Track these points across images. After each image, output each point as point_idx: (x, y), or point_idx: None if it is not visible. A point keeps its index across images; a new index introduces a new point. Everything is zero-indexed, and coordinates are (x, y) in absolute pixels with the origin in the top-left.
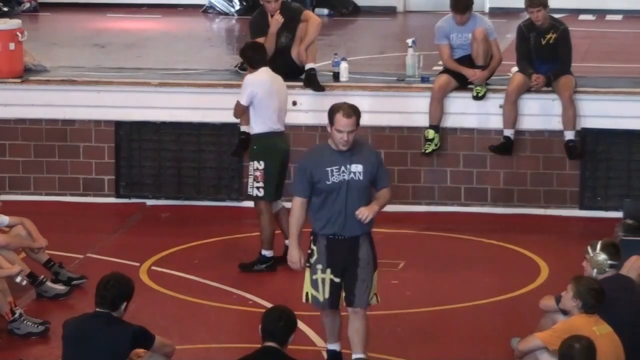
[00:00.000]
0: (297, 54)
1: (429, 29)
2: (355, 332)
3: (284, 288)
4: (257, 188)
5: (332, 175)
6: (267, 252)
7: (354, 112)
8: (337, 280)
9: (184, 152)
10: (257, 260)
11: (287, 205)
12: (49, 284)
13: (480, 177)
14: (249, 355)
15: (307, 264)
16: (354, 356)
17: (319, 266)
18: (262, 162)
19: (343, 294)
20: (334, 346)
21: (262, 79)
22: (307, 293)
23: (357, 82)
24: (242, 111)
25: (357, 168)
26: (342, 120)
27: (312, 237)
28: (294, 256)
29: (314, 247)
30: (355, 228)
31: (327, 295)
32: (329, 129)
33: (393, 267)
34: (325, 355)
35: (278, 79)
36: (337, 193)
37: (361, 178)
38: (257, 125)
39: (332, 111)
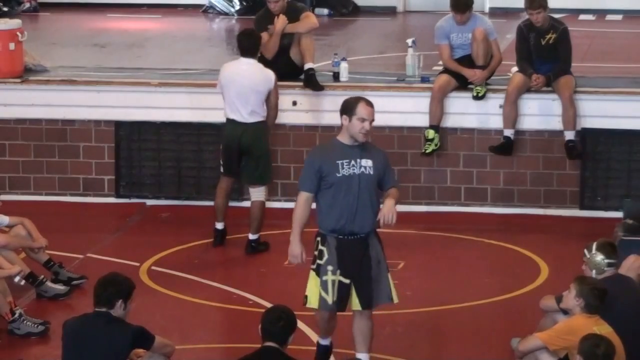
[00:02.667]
0: (295, 53)
1: (429, 29)
2: (360, 332)
3: (284, 288)
4: (220, 164)
5: (343, 168)
6: (216, 224)
7: (372, 103)
8: (346, 281)
9: (184, 152)
10: None
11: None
12: (48, 284)
13: (480, 177)
14: (249, 355)
15: (314, 266)
16: (357, 355)
17: (330, 267)
18: (222, 144)
19: (355, 299)
20: (326, 341)
21: (228, 70)
22: (306, 297)
23: (357, 82)
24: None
25: (367, 163)
26: (365, 109)
27: (319, 238)
28: (295, 250)
29: (323, 248)
30: (365, 224)
31: (335, 298)
32: (346, 122)
33: (393, 267)
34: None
35: (249, 73)
36: (348, 186)
37: (371, 173)
38: (224, 110)
39: (351, 103)
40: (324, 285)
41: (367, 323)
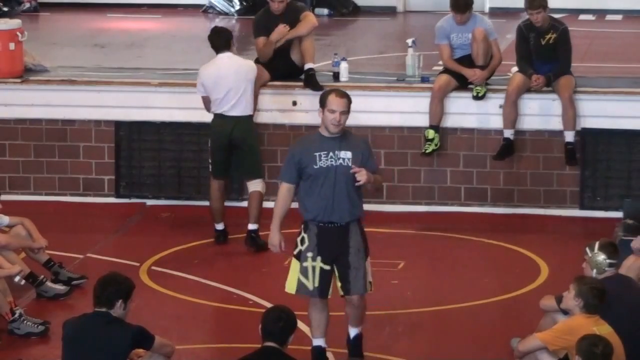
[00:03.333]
0: (295, 53)
1: (429, 29)
2: (353, 311)
3: (284, 288)
4: (209, 164)
5: (320, 160)
6: (216, 225)
7: (346, 94)
8: (326, 268)
9: (184, 152)
10: None
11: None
12: (48, 284)
13: (480, 177)
14: (249, 355)
15: (295, 252)
16: (352, 332)
17: (310, 254)
18: (209, 141)
19: (338, 284)
20: (320, 341)
21: (209, 69)
22: (289, 283)
23: (357, 82)
24: (205, 102)
25: (345, 155)
26: (335, 100)
27: (302, 226)
28: (274, 239)
29: (305, 235)
30: (344, 214)
31: (316, 284)
32: (320, 114)
33: (393, 267)
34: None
35: (232, 65)
36: (325, 178)
37: (349, 164)
38: (211, 108)
39: (324, 95)
40: (304, 271)
41: (358, 309)
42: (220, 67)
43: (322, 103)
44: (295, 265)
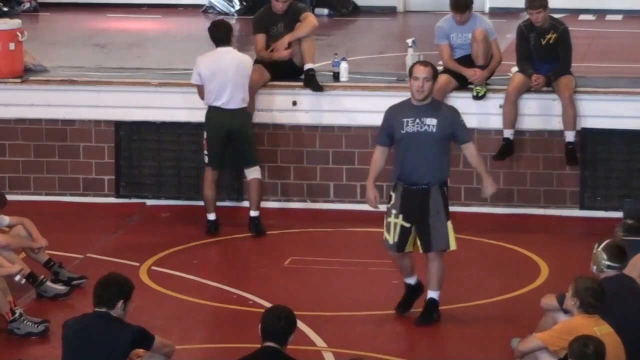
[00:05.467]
0: (295, 53)
1: (429, 29)
2: (429, 272)
3: (284, 288)
4: (204, 155)
5: (407, 126)
6: (208, 215)
7: (429, 64)
8: (407, 225)
9: (184, 152)
10: None
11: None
12: (48, 284)
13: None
14: (249, 355)
15: (386, 209)
16: (428, 294)
17: (394, 211)
18: (205, 133)
19: (418, 242)
20: (410, 279)
21: (208, 60)
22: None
23: (357, 82)
24: (199, 90)
25: (431, 122)
26: (418, 68)
27: (393, 185)
28: (369, 194)
29: (392, 194)
30: (425, 178)
31: (395, 239)
32: (409, 84)
33: (393, 267)
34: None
35: (233, 60)
36: (410, 143)
37: (434, 131)
38: (205, 99)
39: (412, 66)
40: (387, 226)
41: (435, 264)
42: (220, 60)
43: (410, 73)
44: (385, 220)
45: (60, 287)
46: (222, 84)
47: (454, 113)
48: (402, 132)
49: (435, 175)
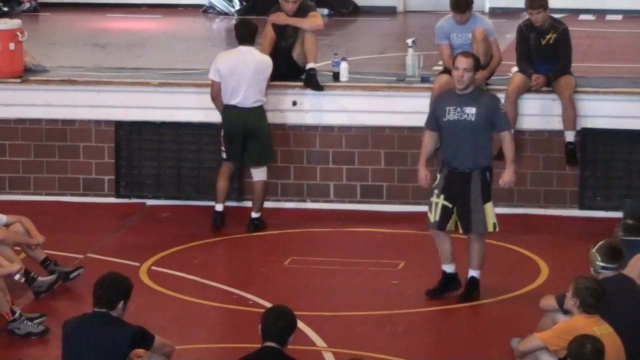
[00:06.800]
0: (297, 53)
1: (429, 29)
2: (471, 251)
3: (284, 288)
4: (222, 151)
5: (449, 114)
6: (216, 206)
7: (471, 54)
8: (448, 205)
9: (184, 152)
10: None
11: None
12: (40, 278)
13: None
14: (249, 355)
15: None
16: (469, 272)
17: (436, 191)
18: (222, 130)
19: (459, 223)
20: (447, 267)
21: (227, 57)
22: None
23: (357, 82)
24: (213, 86)
25: (470, 110)
26: (459, 59)
27: (440, 166)
28: (420, 174)
29: (438, 175)
30: (465, 163)
31: (437, 218)
32: (453, 74)
33: (393, 267)
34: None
35: (253, 60)
36: (451, 130)
37: (472, 119)
38: (221, 97)
39: (455, 56)
40: (430, 205)
41: (475, 246)
42: (241, 58)
43: (452, 63)
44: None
45: (50, 277)
46: (238, 83)
47: (494, 102)
48: (444, 119)
49: (476, 162)
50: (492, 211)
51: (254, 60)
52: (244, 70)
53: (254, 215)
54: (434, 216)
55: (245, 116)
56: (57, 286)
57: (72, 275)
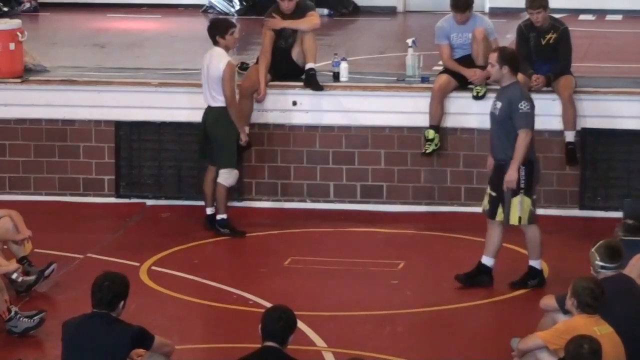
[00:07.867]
0: (297, 53)
1: (429, 29)
2: (526, 242)
3: (284, 288)
4: None
5: (491, 106)
6: (206, 209)
7: (499, 49)
8: (493, 194)
9: (184, 152)
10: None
11: None
12: (20, 278)
13: (480, 177)
14: (249, 355)
15: None
16: (529, 261)
17: (488, 181)
18: None
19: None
20: (485, 259)
21: (204, 57)
22: None
23: (357, 82)
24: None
25: (498, 104)
26: (491, 54)
27: None
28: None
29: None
30: (498, 154)
31: (486, 206)
32: None
33: (393, 267)
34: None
35: (208, 57)
36: (490, 122)
37: (497, 113)
38: None
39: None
40: (484, 195)
41: (526, 236)
42: (205, 58)
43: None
44: None
45: (29, 278)
46: (203, 79)
47: (515, 98)
48: (490, 111)
49: (507, 154)
50: (519, 205)
51: (208, 58)
52: (204, 70)
53: (219, 217)
54: (484, 204)
55: (206, 114)
56: (37, 286)
57: (46, 273)
